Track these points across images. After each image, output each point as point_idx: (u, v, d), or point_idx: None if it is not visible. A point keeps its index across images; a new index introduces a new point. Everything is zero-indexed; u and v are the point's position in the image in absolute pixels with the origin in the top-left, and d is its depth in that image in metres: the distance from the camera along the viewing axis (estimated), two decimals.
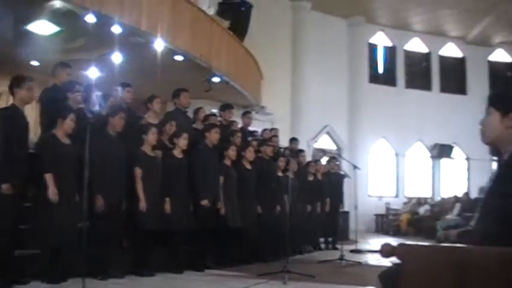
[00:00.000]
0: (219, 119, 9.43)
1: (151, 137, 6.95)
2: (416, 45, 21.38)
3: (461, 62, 21.87)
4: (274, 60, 16.61)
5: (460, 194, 16.39)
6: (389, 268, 2.42)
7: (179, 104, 8.34)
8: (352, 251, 10.11)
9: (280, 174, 9.54)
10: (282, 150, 9.91)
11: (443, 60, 21.74)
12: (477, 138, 2.50)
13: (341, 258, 8.61)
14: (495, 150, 2.48)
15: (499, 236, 2.08)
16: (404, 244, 1.96)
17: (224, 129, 8.70)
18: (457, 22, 20.51)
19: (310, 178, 10.98)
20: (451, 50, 21.82)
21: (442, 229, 11.69)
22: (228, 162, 8.24)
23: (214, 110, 10.11)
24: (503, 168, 2.37)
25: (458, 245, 2.10)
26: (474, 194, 15.28)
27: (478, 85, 20.55)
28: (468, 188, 19.49)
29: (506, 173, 2.30)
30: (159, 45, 9.33)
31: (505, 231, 2.09)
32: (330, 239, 11.59)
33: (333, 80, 18.32)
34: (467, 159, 20.99)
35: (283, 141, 10.90)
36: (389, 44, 20.97)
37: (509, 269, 1.79)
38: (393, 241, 2.89)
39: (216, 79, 11.76)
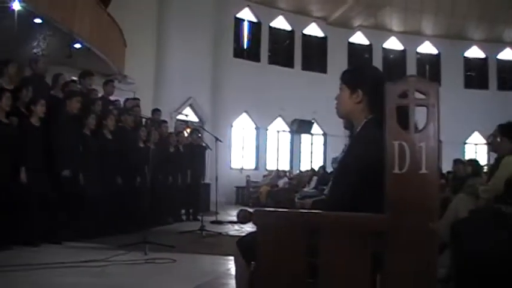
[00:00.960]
0: (79, 86, 9.05)
1: (4, 102, 6.53)
2: (281, 22, 21.87)
3: (323, 41, 22.74)
4: (139, 29, 16.25)
5: (317, 168, 17.20)
6: (246, 235, 2.49)
7: (36, 70, 7.91)
8: (212, 222, 10.25)
9: (141, 145, 9.42)
10: (143, 120, 9.77)
11: (306, 39, 22.47)
12: (334, 115, 2.64)
13: (201, 229, 8.71)
14: (349, 124, 2.63)
15: (335, 201, 2.23)
16: (260, 210, 2.01)
17: (84, 98, 8.37)
18: (321, 3, 21.36)
19: (172, 150, 10.96)
20: (314, 29, 22.61)
21: (299, 199, 12.21)
22: (87, 131, 7.99)
23: (75, 78, 9.70)
24: (352, 140, 2.52)
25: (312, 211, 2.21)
26: (330, 168, 16.05)
27: (338, 65, 21.48)
28: (325, 162, 20.49)
29: (353, 143, 2.46)
30: (16, 6, 8.75)
31: (334, 195, 2.26)
32: (190, 211, 11.66)
33: (199, 52, 18.23)
34: (325, 134, 22.00)
35: (146, 112, 10.74)
36: (255, 20, 21.28)
37: (355, 232, 1.91)
38: None
39: (77, 45, 11.30)
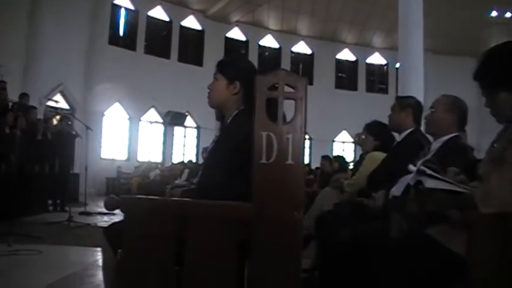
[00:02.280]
0: None
1: None
2: (159, 12, 21.53)
3: (200, 34, 22.72)
4: (8, 9, 15.28)
5: (188, 161, 17.22)
6: (113, 223, 2.43)
7: None
8: (81, 213, 9.93)
9: (7, 131, 8.91)
10: (10, 105, 9.25)
11: (184, 30, 22.32)
12: (208, 108, 2.64)
13: (69, 220, 8.42)
14: (220, 114, 2.66)
15: (204, 190, 2.25)
16: (128, 197, 1.98)
17: None
18: None
19: (40, 137, 10.48)
20: (192, 22, 22.52)
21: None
22: None
23: None
24: (222, 130, 2.55)
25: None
26: (202, 160, 16.09)
27: (214, 59, 21.43)
28: (197, 155, 20.51)
29: (223, 134, 2.49)
30: None
31: (203, 184, 2.29)
32: (58, 201, 11.21)
33: (72, 37, 17.45)
34: (198, 127, 22.02)
35: (13, 96, 10.16)
36: (133, 7, 20.81)
37: (222, 220, 1.93)
38: None
39: None
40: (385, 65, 25.80)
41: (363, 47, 25.24)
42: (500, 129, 2.24)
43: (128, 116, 20.40)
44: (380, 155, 4.34)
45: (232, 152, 2.28)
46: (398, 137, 4.17)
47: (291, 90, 1.98)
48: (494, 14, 21.19)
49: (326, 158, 10.57)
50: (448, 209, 2.18)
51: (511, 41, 2.24)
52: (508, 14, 21.25)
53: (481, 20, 21.46)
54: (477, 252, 1.91)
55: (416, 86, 12.77)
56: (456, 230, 2.09)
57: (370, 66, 25.81)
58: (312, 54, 24.91)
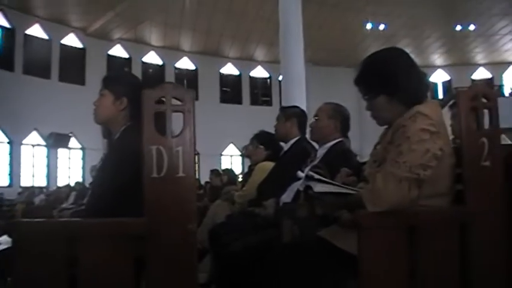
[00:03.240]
0: None
1: None
2: (37, 31, 20.60)
3: (81, 52, 22.07)
4: None
5: (73, 183, 16.61)
6: (2, 250, 2.31)
7: None
8: None
9: None
10: None
11: (64, 49, 21.55)
12: (93, 128, 2.58)
13: None
14: (107, 131, 2.61)
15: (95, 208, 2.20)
16: (16, 221, 1.89)
17: None
18: (80, 13, 20.63)
19: None
20: (72, 40, 21.82)
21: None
22: None
23: None
24: (110, 147, 2.50)
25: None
26: (90, 179, 15.57)
27: (97, 77, 20.81)
28: (84, 177, 19.82)
29: (111, 151, 2.44)
30: None
31: (93, 203, 2.24)
32: None
33: None
34: (83, 148, 21.33)
35: None
36: (8, 25, 19.77)
37: (115, 237, 1.89)
38: None
39: None
40: (268, 77, 26.36)
41: (245, 61, 25.66)
42: (381, 133, 2.38)
43: (8, 140, 19.37)
44: (269, 165, 4.42)
45: (121, 167, 2.24)
46: (285, 146, 4.28)
47: (179, 103, 1.98)
48: (369, 26, 22.32)
49: (215, 172, 10.59)
50: (338, 211, 2.27)
51: (388, 48, 2.40)
52: (381, 26, 22.47)
53: (357, 32, 22.57)
54: (367, 249, 2.00)
55: (299, 96, 13.12)
56: (347, 230, 2.17)
57: (253, 79, 26.27)
58: (195, 70, 24.95)
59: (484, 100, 2.20)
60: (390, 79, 2.24)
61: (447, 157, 2.15)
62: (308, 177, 2.28)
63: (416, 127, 2.08)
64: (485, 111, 2.20)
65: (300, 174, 2.57)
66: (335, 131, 3.39)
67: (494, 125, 2.20)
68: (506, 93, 23.78)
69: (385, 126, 2.35)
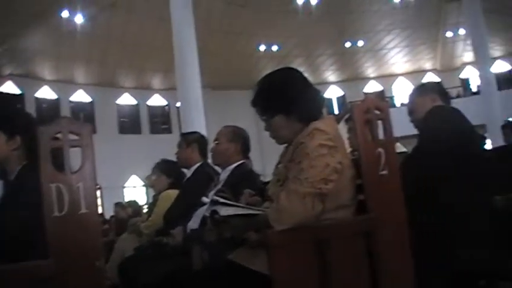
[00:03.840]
0: None
1: None
2: None
3: None
4: None
5: None
6: None
7: None
8: None
9: None
10: None
11: None
12: None
13: None
14: (3, 171, 2.50)
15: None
16: None
17: None
18: None
19: None
20: None
21: None
22: None
23: None
24: (9, 187, 2.40)
25: None
26: None
27: None
28: None
29: (9, 191, 2.35)
30: None
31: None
32: None
33: None
34: None
35: None
36: None
37: (21, 282, 1.81)
38: None
39: None
40: (167, 105, 26.20)
41: (142, 90, 25.37)
42: (281, 151, 2.44)
43: None
44: (173, 193, 4.39)
45: (23, 208, 2.16)
46: (188, 172, 4.27)
47: (76, 137, 1.94)
48: (262, 48, 22.80)
49: (119, 205, 10.37)
50: (246, 232, 2.29)
51: (281, 68, 2.47)
52: (274, 48, 23.01)
53: (251, 55, 22.98)
54: (277, 268, 2.03)
55: (198, 122, 13.14)
56: (256, 250, 2.19)
57: (151, 108, 26.01)
58: (92, 102, 24.35)
59: (377, 112, 2.31)
60: (285, 98, 2.30)
61: (347, 169, 2.23)
62: (213, 202, 2.28)
63: (314, 143, 2.14)
64: (379, 122, 2.31)
65: (205, 199, 2.58)
66: (236, 154, 3.43)
67: (388, 135, 2.31)
68: (398, 103, 25.04)
69: (285, 145, 2.40)
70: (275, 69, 2.46)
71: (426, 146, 2.76)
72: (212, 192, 3.00)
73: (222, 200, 2.22)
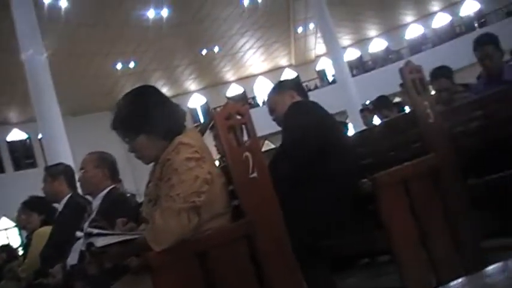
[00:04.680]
0: None
1: None
2: None
3: None
4: None
5: None
6: None
7: None
8: None
9: None
10: None
11: None
12: None
13: None
14: None
15: None
16: None
17: None
18: None
19: None
20: None
21: None
22: None
23: None
24: None
25: None
26: None
27: None
28: None
29: None
30: None
31: None
32: None
33: None
34: None
35: None
36: None
37: None
38: None
39: None
40: (28, 138, 24.88)
41: (1, 126, 23.91)
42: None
43: None
44: (47, 230, 4.18)
45: None
46: (58, 206, 4.09)
47: None
48: (119, 66, 22.38)
49: None
50: (126, 259, 2.23)
51: (136, 88, 2.43)
52: (131, 64, 22.66)
53: (109, 75, 22.50)
54: None
55: (63, 152, 12.63)
56: (139, 276, 2.14)
57: (12, 143, 24.58)
58: None
59: (239, 117, 2.34)
60: (144, 118, 2.27)
61: (217, 178, 2.24)
62: (87, 235, 2.20)
63: (181, 158, 2.14)
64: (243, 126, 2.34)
65: (79, 234, 2.48)
66: (105, 179, 3.34)
67: (252, 138, 2.35)
68: (261, 102, 25.67)
69: (153, 163, 2.37)
70: (130, 90, 2.43)
71: (290, 143, 2.84)
72: (87, 224, 2.89)
73: (96, 231, 2.14)
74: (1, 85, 20.05)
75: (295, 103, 3.01)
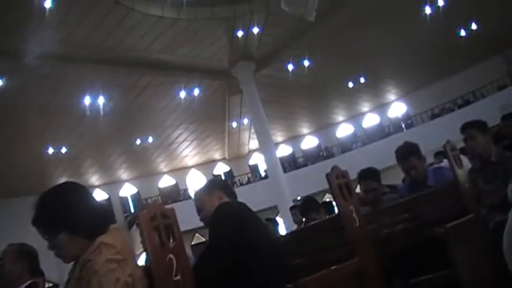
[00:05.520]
0: None
1: None
2: None
3: None
4: None
5: None
6: None
7: None
8: None
9: None
10: None
11: None
12: None
13: None
14: None
15: None
16: None
17: None
18: None
19: None
20: None
21: None
22: None
23: None
24: None
25: None
26: None
27: None
28: None
29: None
30: None
31: None
32: None
33: None
34: None
35: None
36: None
37: None
38: None
39: None
40: None
41: None
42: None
43: None
44: None
45: None
46: None
47: None
48: (51, 150, 21.84)
49: None
50: None
51: (60, 184, 2.36)
52: (63, 149, 22.15)
53: (39, 159, 21.87)
54: None
55: None
56: None
57: None
58: None
59: (164, 219, 2.29)
60: (66, 215, 2.20)
61: (138, 281, 2.16)
62: None
63: (102, 259, 2.07)
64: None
65: None
66: (24, 273, 3.18)
67: (177, 240, 2.30)
68: (192, 195, 25.45)
69: (73, 262, 2.27)
70: (54, 186, 2.36)
71: (213, 246, 2.81)
72: None
73: None
74: None
75: (223, 204, 3.01)
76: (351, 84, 25.31)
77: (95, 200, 2.33)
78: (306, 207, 6.22)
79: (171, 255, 2.23)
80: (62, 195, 2.28)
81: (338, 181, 3.05)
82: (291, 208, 8.50)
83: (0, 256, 3.29)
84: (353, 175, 3.91)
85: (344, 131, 30.28)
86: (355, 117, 29.77)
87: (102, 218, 2.30)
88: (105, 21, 16.47)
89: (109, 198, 27.23)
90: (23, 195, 22.73)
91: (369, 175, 4.82)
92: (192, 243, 23.47)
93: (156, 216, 2.26)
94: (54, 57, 16.82)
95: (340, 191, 3.04)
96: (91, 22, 16.31)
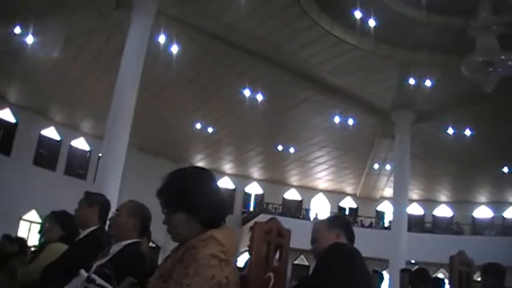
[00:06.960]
0: None
1: None
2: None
3: None
4: None
5: None
6: None
7: None
8: None
9: None
10: None
11: None
12: None
13: None
14: None
15: None
16: None
17: None
18: None
19: None
20: None
21: None
22: None
23: None
24: None
25: None
26: None
27: None
28: None
29: None
30: None
31: None
32: None
33: None
34: None
35: None
36: None
37: None
38: None
39: None
40: (89, 151, 25.31)
41: (69, 128, 24.49)
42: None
43: None
44: (61, 248, 4.16)
45: None
46: (82, 232, 4.09)
47: None
48: (198, 126, 22.83)
49: (6, 238, 9.79)
50: None
51: (194, 167, 2.45)
52: (210, 129, 23.07)
53: (185, 130, 22.93)
54: None
55: (114, 178, 12.88)
56: None
57: (73, 149, 25.03)
58: (15, 124, 22.95)
59: (279, 237, 2.28)
60: (191, 198, 2.25)
61: (232, 285, 2.15)
62: (89, 280, 2.18)
63: (206, 251, 2.10)
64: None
65: (83, 273, 2.43)
66: (133, 230, 3.34)
67: (282, 262, 2.29)
68: (312, 217, 25.52)
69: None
70: (189, 167, 2.44)
71: (315, 282, 2.76)
72: (96, 264, 2.87)
73: (98, 281, 2.12)
74: (87, 92, 20.55)
75: (338, 244, 2.95)
76: (506, 169, 23.93)
77: (221, 192, 2.37)
78: (416, 278, 6.03)
79: (271, 274, 2.22)
80: (193, 178, 2.33)
81: (460, 267, 2.88)
82: (402, 270, 8.23)
83: (117, 207, 3.50)
84: (478, 260, 3.67)
85: (482, 213, 28.66)
86: (497, 204, 28.05)
87: (222, 210, 2.33)
88: (288, 26, 16.80)
89: (235, 189, 28.03)
90: (160, 157, 24.09)
91: (494, 273, 4.48)
92: (295, 262, 23.52)
93: (272, 232, 2.26)
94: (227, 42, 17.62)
95: (459, 277, 2.86)
96: (276, 23, 16.73)
